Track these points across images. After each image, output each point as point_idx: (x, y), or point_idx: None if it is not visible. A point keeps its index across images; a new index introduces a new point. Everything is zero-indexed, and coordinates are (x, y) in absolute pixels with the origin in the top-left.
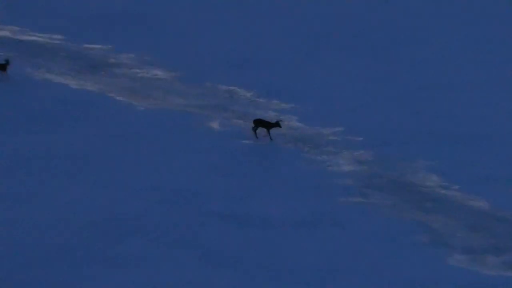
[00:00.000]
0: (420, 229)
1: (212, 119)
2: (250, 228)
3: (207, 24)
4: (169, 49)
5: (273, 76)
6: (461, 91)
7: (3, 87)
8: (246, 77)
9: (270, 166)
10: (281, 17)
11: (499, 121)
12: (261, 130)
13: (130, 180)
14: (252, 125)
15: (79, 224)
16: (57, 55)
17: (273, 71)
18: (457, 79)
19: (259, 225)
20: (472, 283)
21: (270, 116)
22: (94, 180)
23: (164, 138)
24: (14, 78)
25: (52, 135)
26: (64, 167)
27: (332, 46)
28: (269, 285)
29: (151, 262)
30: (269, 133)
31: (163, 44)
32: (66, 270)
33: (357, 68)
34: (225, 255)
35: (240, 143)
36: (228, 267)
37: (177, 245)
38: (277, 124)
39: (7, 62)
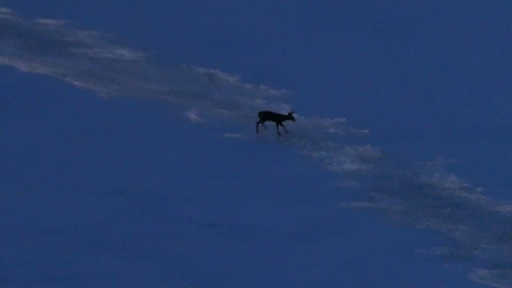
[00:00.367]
0: (438, 240)
1: (188, 108)
2: (234, 240)
3: None
4: (138, 24)
5: (261, 57)
6: (485, 75)
7: None
8: (229, 59)
9: (259, 165)
10: None
11: None
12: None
13: (90, 182)
14: (258, 118)
15: (30, 235)
16: (3, 32)
17: (262, 52)
18: (481, 60)
19: (245, 237)
20: None
21: (258, 104)
22: (47, 183)
23: (130, 131)
24: None
25: None
26: (10, 167)
27: (332, 23)
28: None
29: (116, 279)
30: (277, 128)
31: (131, 19)
32: None
33: (361, 48)
34: (204, 272)
35: (222, 137)
36: (206, 286)
37: (146, 260)
38: (289, 117)
39: None
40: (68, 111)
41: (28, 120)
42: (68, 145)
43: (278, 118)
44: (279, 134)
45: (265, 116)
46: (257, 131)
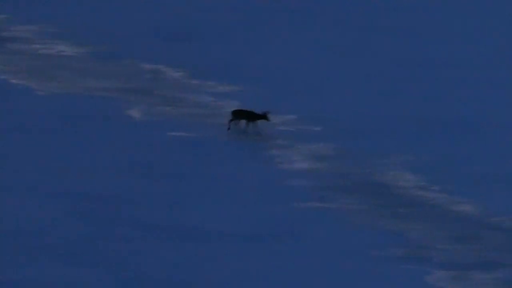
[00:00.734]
0: (393, 241)
1: (132, 105)
2: (183, 243)
3: None
4: (78, 19)
5: (208, 52)
6: (442, 70)
7: None
8: (174, 54)
9: (207, 164)
10: None
11: (492, 106)
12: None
13: (31, 184)
14: (231, 117)
15: None
16: None
17: (208, 47)
18: (439, 54)
19: (195, 239)
20: None
21: (206, 101)
22: None
23: (72, 131)
24: None
25: None
26: None
27: (283, 16)
28: None
29: (59, 286)
30: (247, 126)
31: (71, 13)
32: None
33: (314, 38)
34: (153, 277)
35: (168, 136)
36: None
37: (92, 266)
38: (263, 117)
39: None
40: (5, 110)
41: None
42: (7, 146)
43: (252, 117)
44: (246, 132)
45: (238, 114)
46: (228, 128)
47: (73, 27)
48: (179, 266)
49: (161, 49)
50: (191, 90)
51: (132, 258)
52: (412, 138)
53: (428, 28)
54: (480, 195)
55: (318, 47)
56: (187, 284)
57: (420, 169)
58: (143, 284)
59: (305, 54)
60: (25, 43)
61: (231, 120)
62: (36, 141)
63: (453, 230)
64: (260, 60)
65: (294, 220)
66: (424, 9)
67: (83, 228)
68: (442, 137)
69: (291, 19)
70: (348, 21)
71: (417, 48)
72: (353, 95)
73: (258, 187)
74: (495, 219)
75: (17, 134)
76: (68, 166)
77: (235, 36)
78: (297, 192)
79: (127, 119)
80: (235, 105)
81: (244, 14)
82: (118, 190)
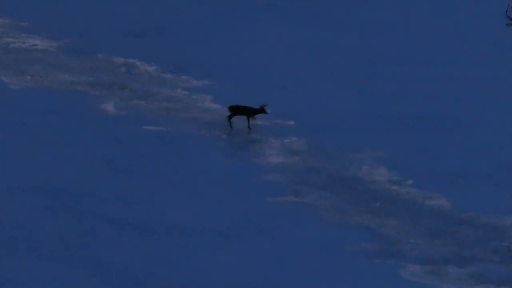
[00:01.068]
0: (367, 236)
1: (105, 100)
2: (152, 238)
3: None
4: (51, 12)
5: (181, 46)
6: (414, 65)
7: None
8: (147, 48)
9: (179, 159)
10: None
11: (464, 102)
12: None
13: (2, 179)
14: (228, 112)
15: None
16: None
17: (181, 40)
18: (414, 50)
19: (164, 234)
20: None
21: (179, 96)
22: None
23: (44, 125)
24: None
25: None
26: None
27: (257, 10)
28: None
29: (28, 283)
30: (248, 122)
31: (44, 7)
32: None
33: (287, 34)
34: (122, 273)
35: (141, 131)
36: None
37: (62, 260)
38: (261, 110)
39: None
40: None
41: None
42: None
43: (250, 112)
44: (249, 128)
45: (235, 110)
46: (230, 126)
47: (46, 21)
48: (152, 261)
49: (134, 43)
50: (164, 85)
51: (104, 253)
52: (386, 134)
53: (400, 25)
54: (454, 190)
55: (292, 42)
56: (160, 278)
57: (394, 164)
58: (116, 279)
59: (279, 49)
60: None
61: (229, 117)
62: (8, 135)
63: (427, 225)
64: (233, 55)
65: (268, 214)
66: (394, 6)
67: (55, 223)
68: (415, 132)
69: (265, 15)
70: (321, 18)
71: (386, 46)
72: (326, 90)
73: (232, 182)
74: (469, 214)
75: None
76: (40, 160)
77: (209, 30)
78: (271, 187)
79: (101, 114)
80: (208, 100)
81: (217, 9)
82: (90, 185)
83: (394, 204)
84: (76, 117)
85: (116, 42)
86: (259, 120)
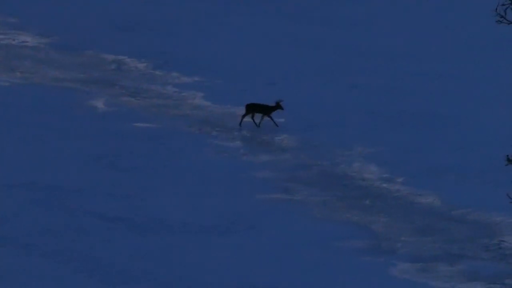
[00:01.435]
0: (357, 233)
1: (95, 96)
2: (143, 234)
3: None
4: (41, 9)
5: (171, 42)
6: (408, 61)
7: None
8: (138, 44)
9: (170, 155)
10: None
11: (454, 99)
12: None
13: None
14: (244, 111)
15: None
16: None
17: (172, 37)
18: (404, 47)
19: (155, 231)
20: None
21: (169, 92)
22: None
23: (35, 121)
24: None
25: None
26: None
27: (247, 6)
28: None
29: (19, 276)
30: (271, 118)
31: (33, 3)
32: None
33: (277, 31)
34: (112, 268)
35: (131, 127)
36: (115, 283)
37: (52, 255)
38: (277, 107)
39: None
40: None
41: None
42: None
43: (267, 110)
44: (257, 126)
45: (252, 108)
46: (240, 125)
47: (36, 18)
48: (143, 257)
49: (124, 40)
50: (155, 81)
51: (95, 249)
52: (376, 130)
53: (390, 21)
54: (444, 188)
55: (282, 38)
56: (149, 274)
57: (384, 161)
58: (105, 274)
59: (270, 45)
60: None
61: (244, 115)
62: None
63: (417, 222)
64: (224, 51)
65: (258, 211)
66: (385, 1)
67: (45, 218)
68: (405, 129)
69: (256, 11)
70: (312, 13)
71: (377, 42)
72: (317, 87)
73: (222, 179)
74: (459, 211)
75: None
76: (30, 156)
77: (199, 27)
78: (261, 184)
79: (91, 110)
80: (199, 96)
81: (208, 5)
82: (81, 181)
83: (385, 201)
84: (66, 113)
85: (106, 39)
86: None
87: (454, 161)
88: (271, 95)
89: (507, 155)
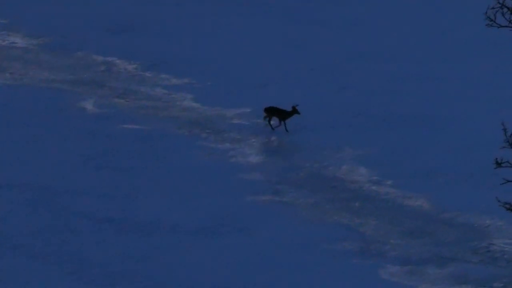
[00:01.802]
0: (346, 235)
1: (85, 98)
2: (132, 236)
3: None
4: (31, 10)
5: (161, 44)
6: (398, 63)
7: None
8: (127, 46)
9: (159, 157)
10: None
11: (444, 101)
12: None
13: None
14: (264, 114)
15: None
16: None
17: (161, 38)
18: (394, 48)
19: (145, 232)
20: None
21: (159, 94)
22: None
23: (24, 122)
24: None
25: None
26: None
27: (237, 7)
28: None
29: (9, 279)
30: (284, 124)
31: (23, 4)
32: None
33: (267, 32)
34: (102, 269)
35: (121, 129)
36: (105, 285)
37: (41, 256)
38: (294, 111)
39: None
40: None
41: None
42: None
43: (284, 114)
44: (272, 129)
45: (271, 112)
46: (272, 128)
47: (26, 19)
48: (131, 257)
49: (114, 41)
50: (144, 83)
51: (83, 249)
52: (366, 132)
53: (380, 22)
54: (433, 190)
55: (272, 40)
56: (139, 275)
57: (373, 163)
58: (95, 276)
59: (259, 47)
60: None
61: (266, 118)
62: None
63: (406, 225)
64: (214, 53)
65: (246, 213)
66: (375, 2)
67: (34, 219)
68: (395, 131)
69: (245, 12)
70: (301, 14)
71: (366, 42)
72: (306, 88)
73: (211, 180)
74: (448, 214)
75: None
76: (20, 157)
77: (189, 29)
78: (251, 186)
79: (80, 112)
80: (188, 98)
81: (197, 6)
82: (70, 182)
83: (374, 203)
84: (56, 115)
85: (96, 40)
86: (240, 119)
87: (443, 164)
88: (261, 97)
89: (496, 158)
